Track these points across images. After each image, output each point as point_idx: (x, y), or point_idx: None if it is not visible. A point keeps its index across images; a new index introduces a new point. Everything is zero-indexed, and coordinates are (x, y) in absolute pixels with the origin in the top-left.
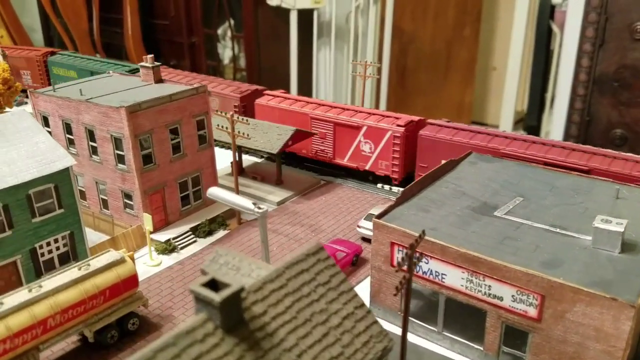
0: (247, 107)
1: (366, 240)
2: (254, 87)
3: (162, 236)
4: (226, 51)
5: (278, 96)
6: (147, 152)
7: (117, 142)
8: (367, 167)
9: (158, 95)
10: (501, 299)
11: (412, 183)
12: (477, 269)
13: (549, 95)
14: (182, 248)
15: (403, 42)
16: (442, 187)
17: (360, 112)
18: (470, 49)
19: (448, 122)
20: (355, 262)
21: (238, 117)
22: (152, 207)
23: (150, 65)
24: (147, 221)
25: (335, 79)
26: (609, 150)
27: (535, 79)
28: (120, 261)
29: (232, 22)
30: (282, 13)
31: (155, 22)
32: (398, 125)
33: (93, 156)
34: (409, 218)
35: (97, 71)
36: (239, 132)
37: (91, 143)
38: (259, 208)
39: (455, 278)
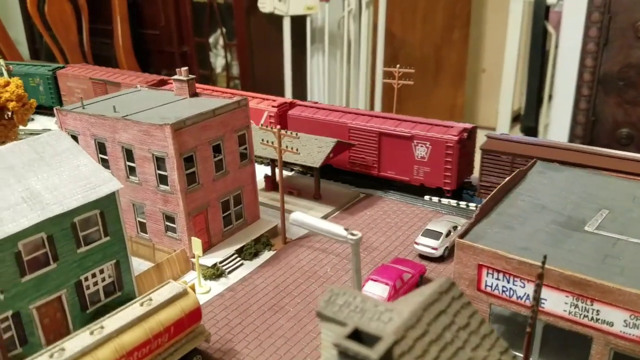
0: None
1: (425, 257)
2: (159, 77)
3: (207, 260)
4: (218, 60)
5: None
6: (190, 171)
7: (159, 162)
8: None
9: (200, 111)
10: (611, 324)
11: (488, 198)
12: (584, 292)
13: (545, 96)
14: (229, 272)
15: (394, 47)
16: (518, 200)
17: (244, 94)
18: (460, 52)
19: (315, 103)
20: (420, 284)
21: (286, 131)
22: (195, 230)
23: (185, 79)
24: (197, 246)
25: (329, 85)
26: (431, 119)
27: (531, 80)
28: (183, 293)
29: (224, 30)
30: (275, 20)
31: (145, 32)
32: (272, 107)
33: (130, 177)
34: (494, 237)
35: (16, 74)
36: (286, 146)
37: (129, 163)
38: (352, 234)
39: (557, 303)
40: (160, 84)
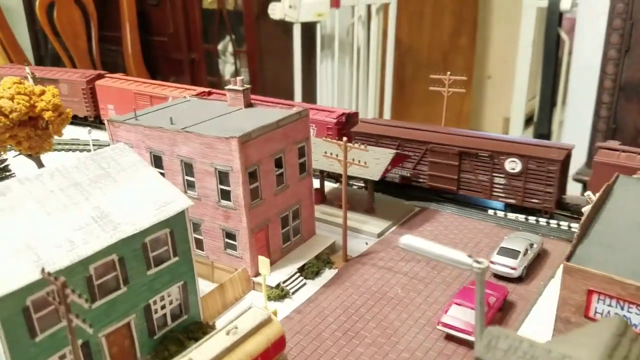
0: (92, 89)
1: (500, 278)
2: (97, 72)
3: (269, 279)
4: (227, 66)
5: (117, 78)
6: (253, 185)
7: (222, 176)
8: None
9: (264, 122)
10: None
11: (585, 216)
12: None
13: (559, 103)
14: (293, 292)
15: (401, 52)
16: (612, 218)
17: (169, 86)
18: (467, 58)
19: (209, 90)
20: (503, 308)
21: (353, 143)
22: (257, 247)
23: (241, 89)
24: (264, 265)
25: (338, 91)
26: (319, 105)
27: (544, 87)
28: (268, 320)
29: (233, 37)
30: (284, 27)
31: (153, 39)
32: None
33: (188, 191)
34: (599, 259)
35: None
36: (353, 159)
37: (187, 177)
38: (478, 262)
39: None
40: (98, 77)
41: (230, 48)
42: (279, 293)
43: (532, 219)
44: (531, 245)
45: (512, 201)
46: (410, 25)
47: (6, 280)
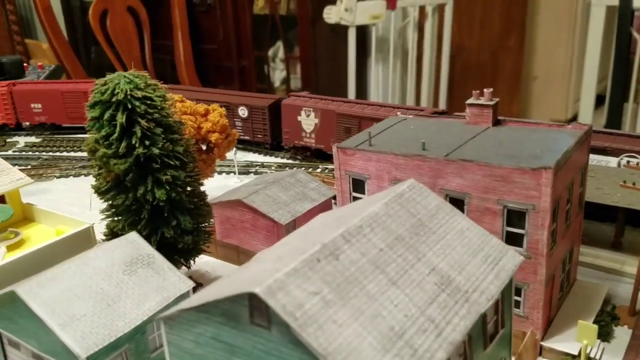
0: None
1: None
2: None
3: (559, 344)
4: (276, 73)
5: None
6: (552, 227)
7: (512, 216)
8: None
9: (550, 145)
10: None
11: None
12: None
13: (630, 104)
14: None
15: (451, 54)
16: None
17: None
18: (516, 58)
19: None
20: None
21: None
22: (544, 304)
23: (490, 103)
24: (588, 333)
25: (392, 95)
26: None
27: (615, 89)
28: None
29: (284, 43)
30: (336, 31)
31: (203, 47)
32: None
33: None
34: None
35: None
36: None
37: None
38: None
39: None
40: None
41: (280, 54)
42: None
43: None
44: None
45: (247, 137)
46: (460, 26)
47: None
